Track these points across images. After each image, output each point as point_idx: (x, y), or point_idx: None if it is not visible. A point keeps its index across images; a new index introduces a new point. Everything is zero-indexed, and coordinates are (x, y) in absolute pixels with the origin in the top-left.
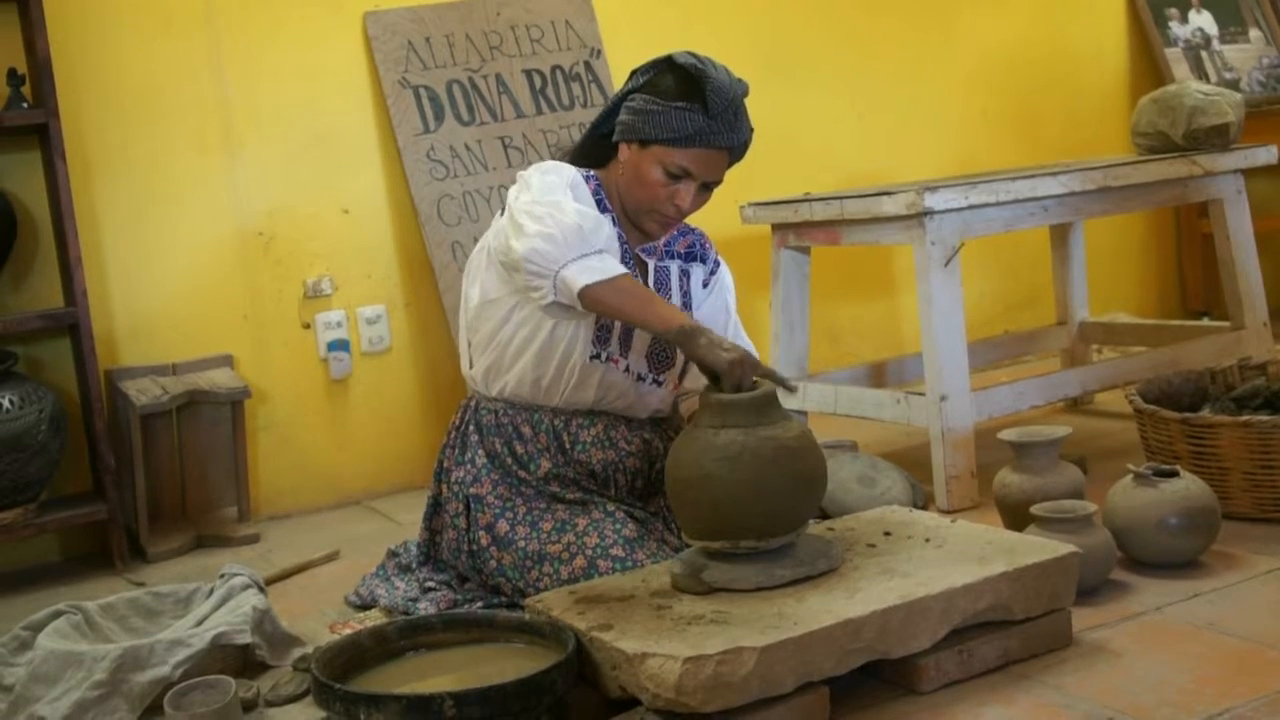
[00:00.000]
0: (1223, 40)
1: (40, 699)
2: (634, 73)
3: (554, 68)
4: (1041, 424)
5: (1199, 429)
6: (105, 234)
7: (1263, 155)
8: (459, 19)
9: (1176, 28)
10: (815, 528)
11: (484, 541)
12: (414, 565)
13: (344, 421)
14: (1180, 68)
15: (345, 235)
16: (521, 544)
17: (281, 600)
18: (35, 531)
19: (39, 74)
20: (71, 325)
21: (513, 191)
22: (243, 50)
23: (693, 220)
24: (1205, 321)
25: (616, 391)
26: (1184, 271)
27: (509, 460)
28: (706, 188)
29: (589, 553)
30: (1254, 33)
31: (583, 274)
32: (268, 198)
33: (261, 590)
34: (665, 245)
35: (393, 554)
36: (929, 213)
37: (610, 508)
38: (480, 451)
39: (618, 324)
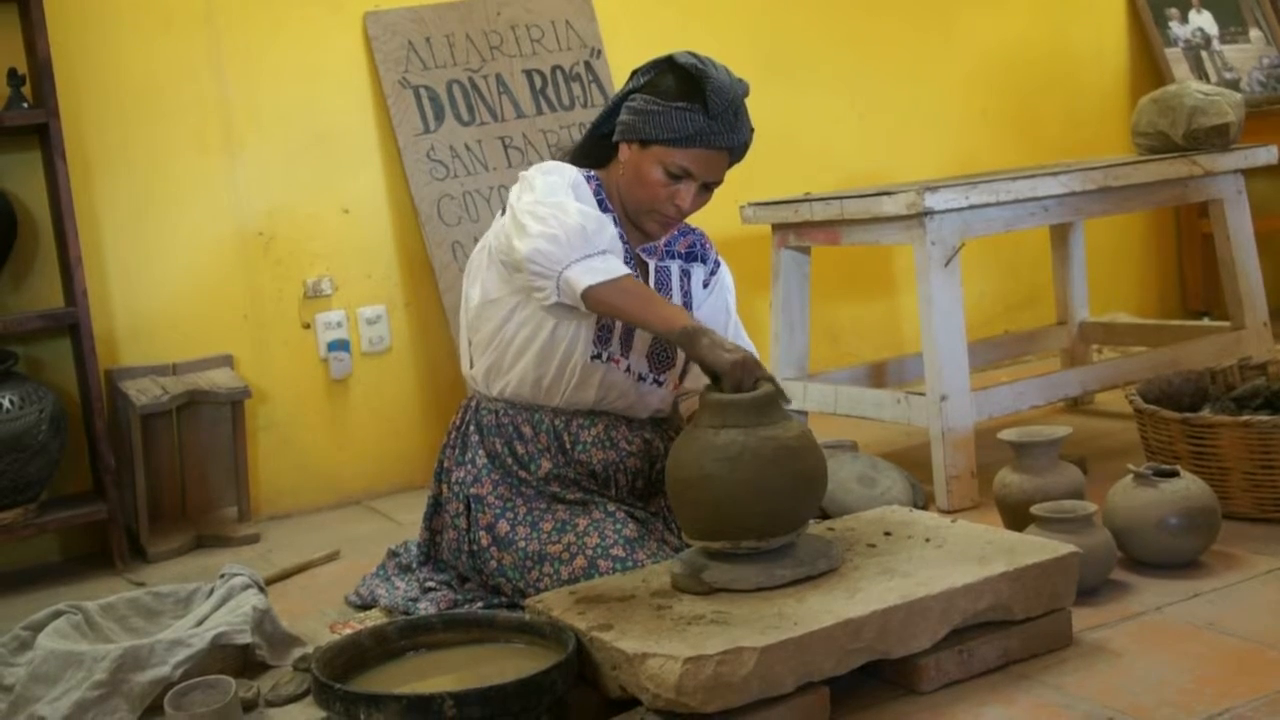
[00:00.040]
0: (1223, 40)
1: (40, 699)
2: (634, 73)
3: (554, 68)
4: (1041, 424)
5: (1199, 429)
6: (105, 234)
7: (1263, 155)
8: (459, 19)
9: (1176, 28)
10: (815, 528)
11: (484, 541)
12: (414, 565)
13: (344, 421)
14: (1180, 68)
15: (345, 235)
16: (522, 544)
17: (282, 600)
18: (35, 531)
19: (39, 74)
20: (72, 325)
21: (514, 191)
22: (243, 50)
23: (693, 220)
24: (1205, 321)
25: (617, 391)
26: (1184, 271)
27: (509, 460)
28: (707, 188)
29: (589, 553)
30: (1254, 33)
31: (586, 275)
32: (268, 198)
33: (261, 590)
34: (666, 245)
35: (393, 554)
36: (929, 213)
37: (611, 508)
38: (481, 452)
39: (619, 324)
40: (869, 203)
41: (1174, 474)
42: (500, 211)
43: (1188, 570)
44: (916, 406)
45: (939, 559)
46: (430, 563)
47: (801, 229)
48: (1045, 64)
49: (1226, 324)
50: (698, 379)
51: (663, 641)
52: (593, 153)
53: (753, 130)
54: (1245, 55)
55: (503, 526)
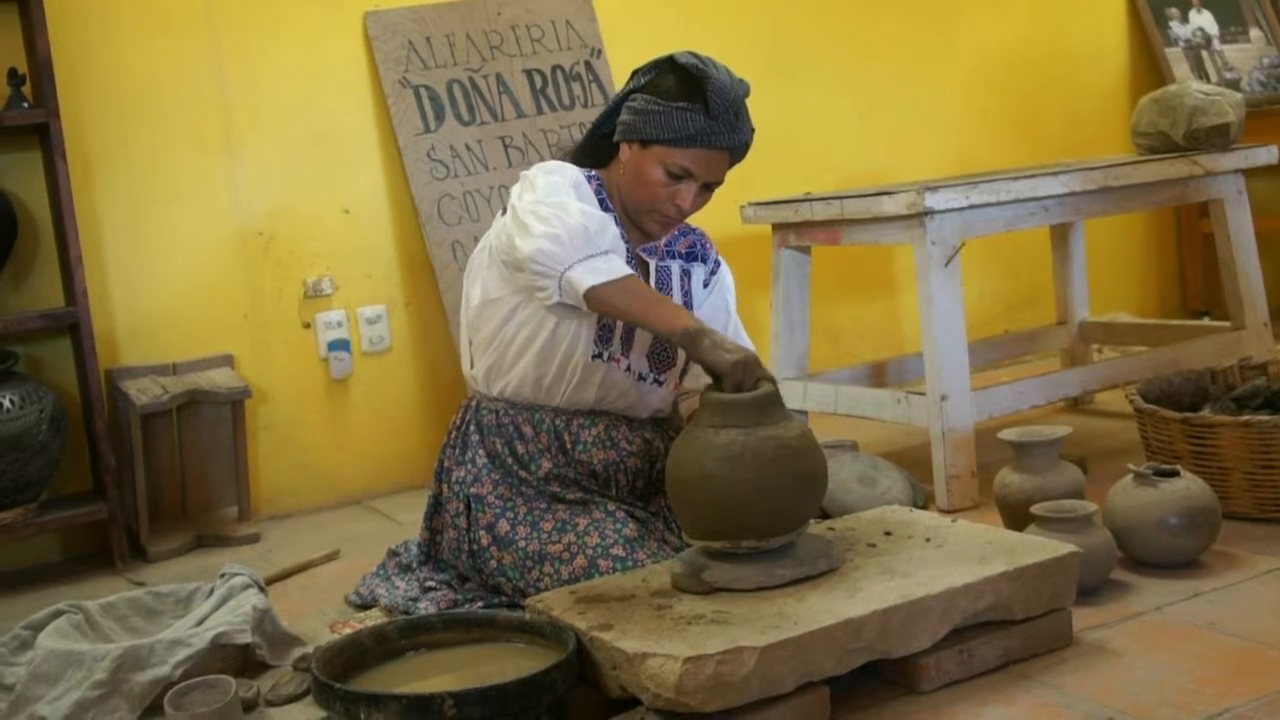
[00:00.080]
0: (1223, 40)
1: (41, 698)
2: (635, 73)
3: (554, 67)
4: (1042, 424)
5: (1199, 429)
6: (105, 233)
7: (1263, 155)
8: (459, 19)
9: (1177, 27)
10: (816, 527)
11: (484, 541)
12: (414, 565)
13: (344, 421)
14: (1181, 67)
15: (345, 235)
16: (522, 544)
17: (282, 600)
18: (36, 531)
19: (39, 73)
20: (72, 325)
21: (516, 190)
22: (243, 50)
23: (693, 220)
24: (1205, 321)
25: (618, 391)
26: (1184, 271)
27: (510, 460)
28: (707, 188)
29: (589, 552)
30: (1254, 32)
31: (589, 275)
32: (268, 197)
33: (262, 590)
34: (666, 245)
35: (393, 553)
36: (929, 212)
37: (611, 507)
38: (481, 451)
39: (619, 323)
40: (869, 202)
41: (1174, 474)
42: (501, 211)
43: (1188, 570)
44: (916, 406)
45: (939, 559)
46: (430, 562)
47: (802, 229)
48: (1045, 64)
49: (1227, 324)
50: (698, 379)
51: (663, 641)
52: (594, 152)
53: (753, 130)
54: (1246, 55)
55: (503, 526)
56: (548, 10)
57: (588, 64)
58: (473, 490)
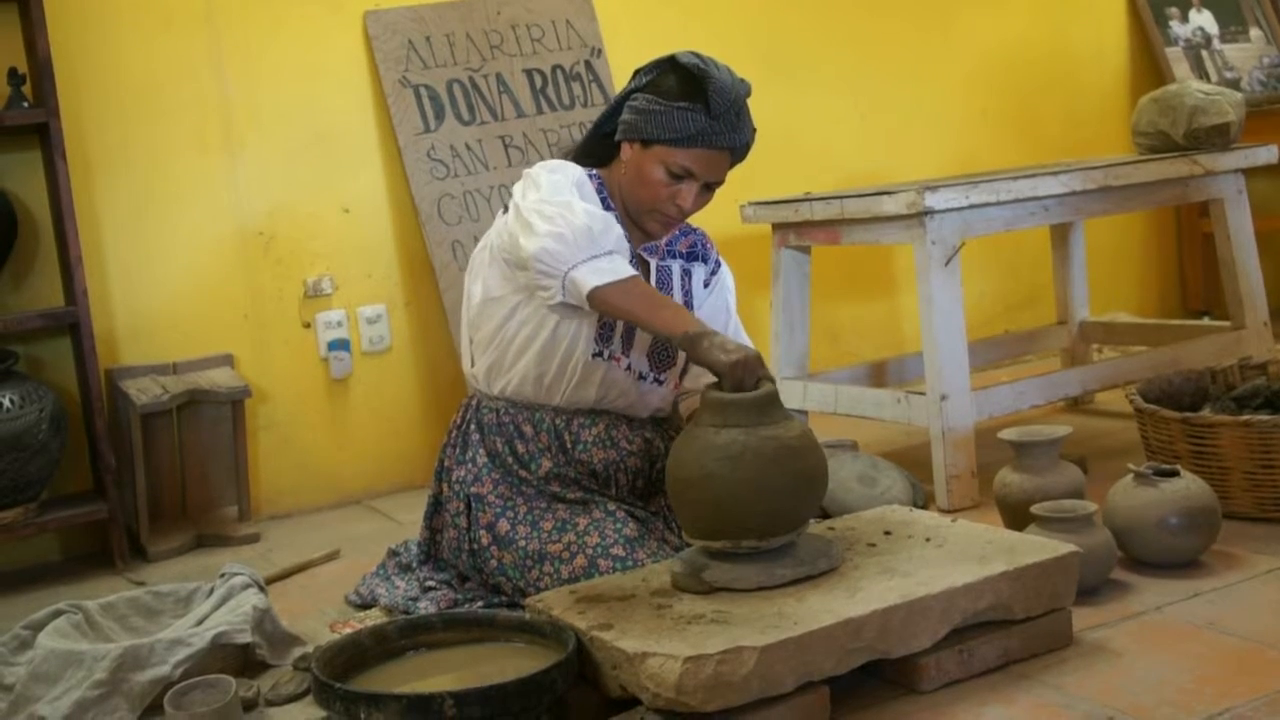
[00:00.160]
0: (1223, 39)
1: (40, 698)
2: (637, 72)
3: (554, 67)
4: (1042, 424)
5: (1199, 429)
6: (105, 233)
7: (1263, 155)
8: (459, 18)
9: (1177, 27)
10: (816, 527)
11: (485, 541)
12: (414, 564)
13: (344, 421)
14: (1181, 67)
15: (345, 235)
16: (522, 543)
17: (282, 599)
18: (36, 531)
19: (39, 73)
20: (72, 324)
21: (518, 189)
22: (243, 49)
23: (694, 220)
24: (1206, 321)
25: (618, 390)
26: (1184, 271)
27: (510, 459)
28: (708, 188)
29: (589, 552)
30: (1254, 32)
31: (592, 275)
32: (268, 197)
33: (262, 589)
34: (667, 245)
35: (393, 553)
36: (929, 212)
37: (611, 507)
38: (481, 450)
39: (620, 322)
40: (869, 202)
41: (1174, 474)
42: (503, 210)
43: (1188, 570)
44: (917, 406)
45: (939, 558)
46: (430, 562)
47: (802, 228)
48: (1045, 64)
49: (1227, 324)
50: (698, 378)
51: (663, 641)
52: (595, 151)
53: (755, 130)
54: (1246, 54)
55: (503, 525)
56: (548, 10)
57: (588, 64)
58: (473, 489)
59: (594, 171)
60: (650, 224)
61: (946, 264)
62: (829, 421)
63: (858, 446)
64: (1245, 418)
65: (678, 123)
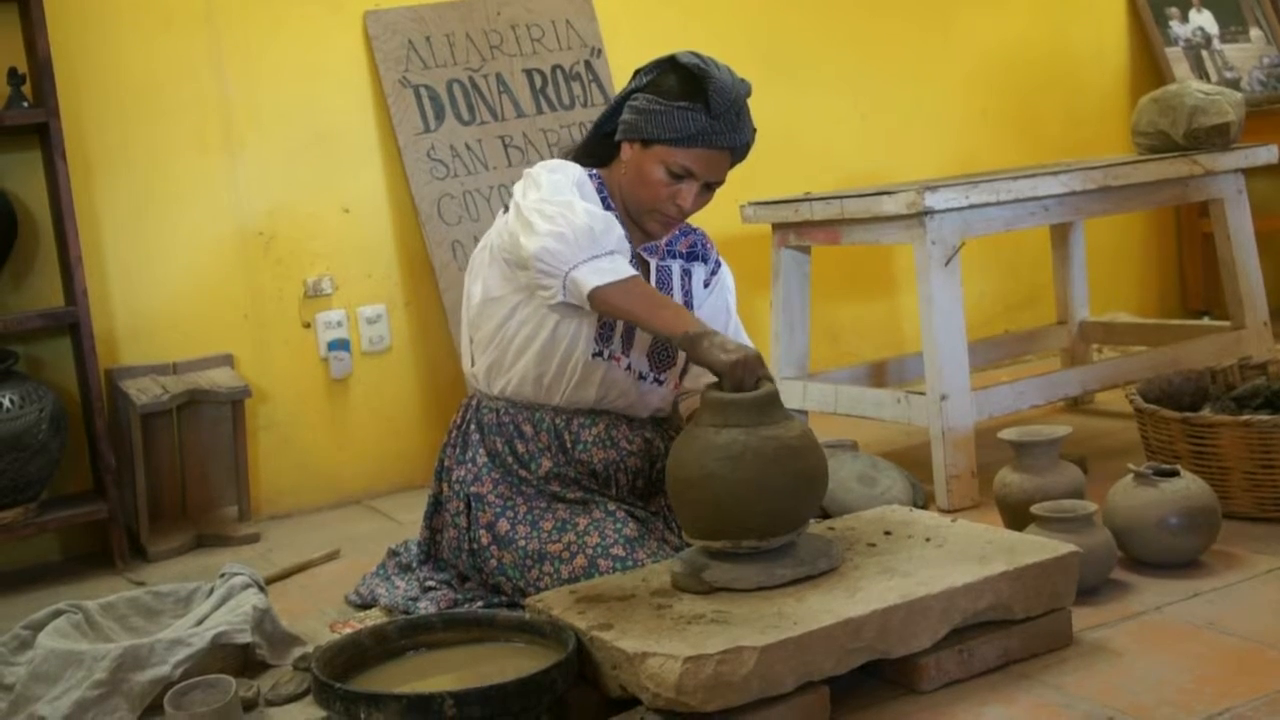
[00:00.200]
0: (1223, 39)
1: (40, 698)
2: (637, 72)
3: (554, 67)
4: (1042, 423)
5: (1199, 428)
6: (105, 233)
7: (1263, 155)
8: (459, 18)
9: (1177, 27)
10: (816, 527)
11: (484, 540)
12: (414, 564)
13: (344, 421)
14: (1180, 67)
15: (345, 235)
16: (522, 543)
17: (282, 599)
18: (36, 531)
19: (39, 73)
20: (72, 324)
21: (519, 188)
22: (243, 49)
23: (694, 220)
24: (1205, 321)
25: (618, 390)
26: (1184, 271)
27: (510, 459)
28: (709, 188)
29: (589, 552)
30: (1254, 32)
31: (593, 275)
32: (268, 197)
33: (262, 589)
34: (667, 245)
35: (393, 553)
36: (929, 212)
37: (611, 507)
38: (481, 450)
39: (620, 322)
40: (869, 202)
41: (1174, 473)
42: (503, 209)
43: (1188, 570)
44: (916, 406)
45: (939, 558)
46: (430, 562)
47: (802, 228)
48: (1045, 64)
49: (1227, 323)
50: (698, 378)
51: (663, 641)
52: (595, 151)
53: (755, 130)
54: (1246, 54)
55: (503, 525)
56: (548, 10)
57: (588, 64)
58: (473, 489)
59: (594, 171)
60: (650, 224)
61: (946, 264)
62: (829, 421)
63: (858, 446)
64: (1245, 418)
65: (678, 122)
